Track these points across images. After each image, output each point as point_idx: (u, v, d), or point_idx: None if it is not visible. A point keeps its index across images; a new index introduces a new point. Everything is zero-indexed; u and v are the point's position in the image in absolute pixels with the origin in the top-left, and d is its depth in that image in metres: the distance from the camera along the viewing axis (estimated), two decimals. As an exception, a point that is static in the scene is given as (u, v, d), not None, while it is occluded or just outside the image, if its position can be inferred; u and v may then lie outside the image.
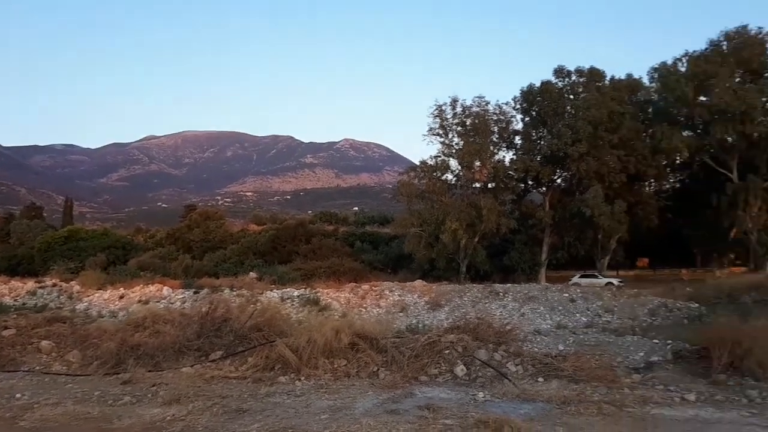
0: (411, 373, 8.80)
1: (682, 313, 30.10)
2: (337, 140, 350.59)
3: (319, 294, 35.99)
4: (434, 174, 53.19)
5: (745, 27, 49.27)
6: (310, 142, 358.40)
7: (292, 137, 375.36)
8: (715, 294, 33.25)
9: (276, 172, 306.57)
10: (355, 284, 39.10)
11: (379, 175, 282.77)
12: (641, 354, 10.77)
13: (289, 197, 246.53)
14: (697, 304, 31.13)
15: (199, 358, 10.38)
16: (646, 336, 14.30)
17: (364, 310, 33.55)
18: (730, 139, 48.55)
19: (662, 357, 9.96)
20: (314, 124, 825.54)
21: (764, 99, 46.31)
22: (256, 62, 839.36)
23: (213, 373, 9.45)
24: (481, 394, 7.79)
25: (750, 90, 45.40)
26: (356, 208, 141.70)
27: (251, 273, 47.38)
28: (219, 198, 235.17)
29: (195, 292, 36.66)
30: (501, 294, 35.88)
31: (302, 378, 8.92)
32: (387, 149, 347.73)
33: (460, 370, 8.85)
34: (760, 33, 48.98)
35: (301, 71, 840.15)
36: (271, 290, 37.36)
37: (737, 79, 47.52)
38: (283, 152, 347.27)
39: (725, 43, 49.31)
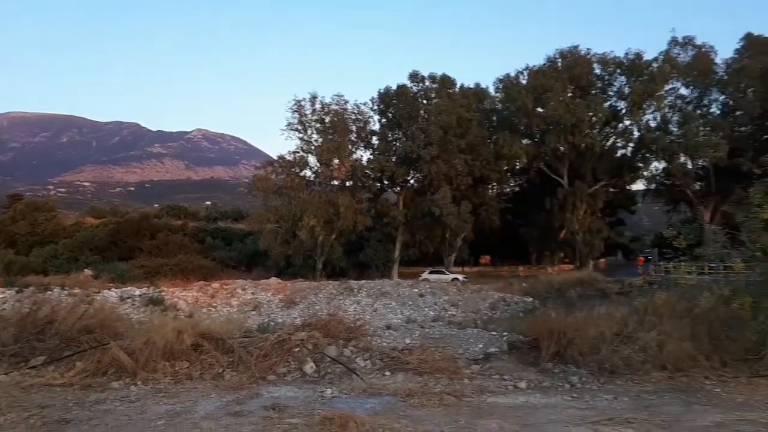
0: (258, 373, 8.54)
1: (518, 307, 32.80)
2: (189, 130, 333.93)
3: (163, 293, 34.19)
4: (292, 170, 52.81)
5: (576, 47, 54.93)
6: (159, 131, 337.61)
7: (138, 124, 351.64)
8: (546, 289, 36.79)
9: (118, 162, 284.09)
10: (204, 282, 37.72)
11: (235, 168, 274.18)
12: (480, 345, 11.43)
13: (132, 189, 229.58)
14: (531, 298, 34.18)
15: (16, 364, 9.23)
16: (486, 328, 15.27)
17: (213, 309, 32.38)
18: (562, 148, 53.73)
19: (499, 348, 10.64)
20: (164, 112, 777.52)
21: (590, 113, 51.71)
22: (99, 40, 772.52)
23: (33, 380, 8.44)
24: (329, 391, 7.76)
25: (579, 104, 50.55)
26: (208, 203, 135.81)
27: (86, 270, 43.96)
28: (51, 188, 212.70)
29: (18, 291, 33.00)
30: (356, 290, 36.57)
31: (138, 382, 8.27)
32: (244, 142, 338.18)
33: (309, 367, 8.77)
34: (588, 54, 54.83)
35: (150, 54, 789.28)
36: (110, 289, 34.96)
37: (569, 94, 52.58)
38: (128, 140, 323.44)
39: (560, 60, 54.41)
